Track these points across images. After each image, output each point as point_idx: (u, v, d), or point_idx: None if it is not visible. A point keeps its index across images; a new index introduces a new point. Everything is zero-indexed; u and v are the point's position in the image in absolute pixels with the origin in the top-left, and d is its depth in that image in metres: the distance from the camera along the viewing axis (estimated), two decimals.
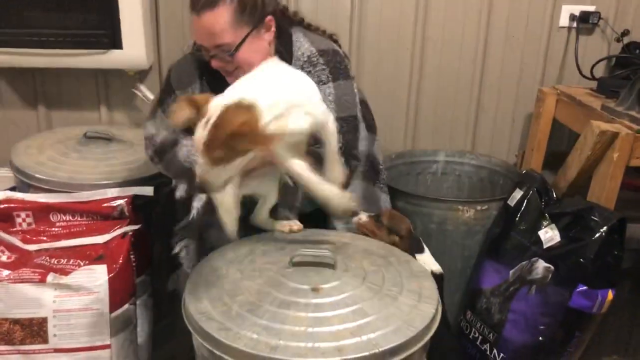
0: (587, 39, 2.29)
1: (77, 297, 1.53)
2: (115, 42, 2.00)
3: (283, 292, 1.18)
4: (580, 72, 2.22)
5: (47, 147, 1.95)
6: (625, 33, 2.25)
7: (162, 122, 1.54)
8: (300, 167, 1.19)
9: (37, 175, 1.79)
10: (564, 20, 2.26)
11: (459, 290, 1.99)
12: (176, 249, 1.57)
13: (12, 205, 1.69)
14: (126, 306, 1.61)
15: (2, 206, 1.68)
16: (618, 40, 2.26)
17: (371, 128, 1.74)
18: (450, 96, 2.35)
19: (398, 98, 2.34)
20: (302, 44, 1.51)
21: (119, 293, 1.59)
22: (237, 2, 1.33)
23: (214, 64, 1.42)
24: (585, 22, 2.23)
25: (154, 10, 2.14)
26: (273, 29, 1.45)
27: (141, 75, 2.19)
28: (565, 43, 2.30)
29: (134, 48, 2.01)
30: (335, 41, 1.62)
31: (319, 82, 1.45)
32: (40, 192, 1.76)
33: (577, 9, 2.23)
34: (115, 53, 2.01)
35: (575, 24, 2.25)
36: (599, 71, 2.25)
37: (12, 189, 1.90)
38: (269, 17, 1.41)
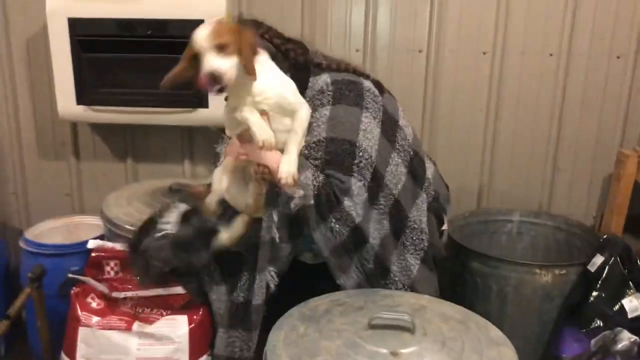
0: None
1: (160, 346, 1.59)
2: (201, 101, 2.12)
3: (362, 355, 1.20)
4: None
5: (135, 199, 2.07)
6: None
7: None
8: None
9: (125, 226, 1.89)
10: None
11: (535, 356, 1.93)
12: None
13: (102, 254, 1.79)
14: (204, 357, 1.66)
15: (93, 254, 1.79)
16: None
17: (418, 181, 1.64)
18: (525, 155, 2.34)
19: (472, 156, 2.35)
20: (320, 77, 1.55)
21: (198, 343, 1.64)
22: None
23: None
24: None
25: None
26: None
27: (224, 132, 2.30)
28: None
29: (219, 107, 2.12)
30: (368, 77, 1.61)
31: (320, 105, 1.49)
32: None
33: None
34: (201, 112, 2.13)
35: None
36: None
37: (101, 237, 2.01)
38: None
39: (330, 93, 1.50)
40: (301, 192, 1.40)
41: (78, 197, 2.46)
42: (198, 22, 2.02)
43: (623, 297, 1.69)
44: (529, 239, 2.30)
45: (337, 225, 1.45)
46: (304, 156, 1.44)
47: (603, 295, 1.74)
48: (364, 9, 2.21)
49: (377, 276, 1.54)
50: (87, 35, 2.08)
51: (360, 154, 1.45)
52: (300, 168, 1.40)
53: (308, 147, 1.45)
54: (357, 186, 1.44)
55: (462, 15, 2.20)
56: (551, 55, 2.22)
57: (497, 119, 2.30)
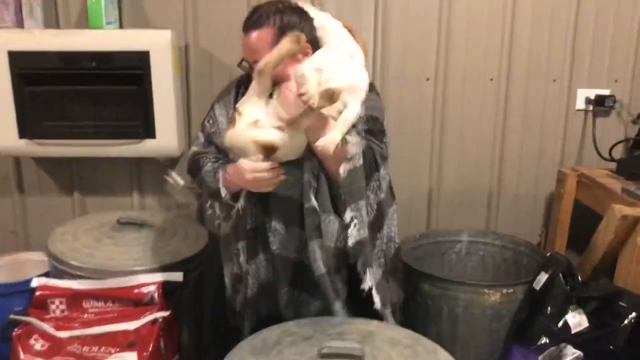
0: (604, 121, 2.35)
1: None
2: (149, 132, 2.10)
3: None
4: (599, 154, 2.27)
5: (82, 233, 2.02)
6: None
7: (202, 132, 1.73)
8: None
9: (72, 262, 1.85)
10: (580, 104, 2.33)
11: None
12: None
13: (47, 292, 1.75)
14: None
15: (37, 293, 1.74)
16: (634, 122, 2.31)
17: (392, 192, 1.77)
18: (470, 177, 2.40)
19: (419, 179, 2.39)
20: None
21: None
22: (278, 27, 1.50)
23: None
24: (601, 105, 2.29)
25: (185, 100, 2.26)
26: (311, 54, 1.53)
27: (172, 162, 2.28)
28: (583, 125, 2.35)
29: (166, 137, 2.11)
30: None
31: None
32: (74, 278, 1.81)
33: (592, 93, 2.30)
34: (149, 142, 2.11)
35: (591, 107, 2.31)
36: (618, 152, 2.29)
37: (46, 274, 1.96)
38: (307, 45, 1.51)
39: None
40: (354, 150, 1.43)
41: (23, 233, 2.38)
42: (143, 54, 2.05)
43: (567, 312, 1.74)
44: (478, 258, 2.35)
45: (372, 196, 1.53)
46: None
47: (548, 312, 1.79)
48: None
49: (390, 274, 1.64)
50: (29, 69, 2.04)
51: (387, 139, 1.61)
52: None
53: None
54: (387, 163, 1.58)
55: (404, 43, 2.26)
56: (491, 79, 2.31)
57: (442, 142, 2.35)
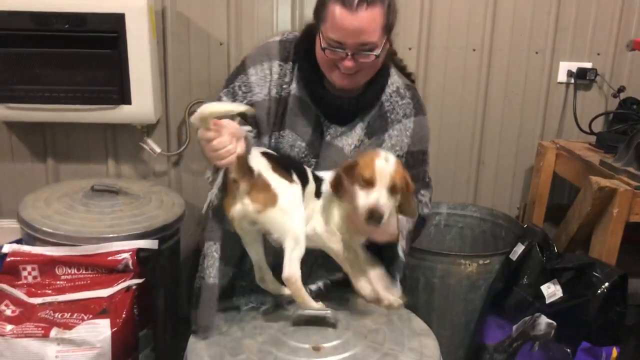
0: (585, 94, 2.34)
1: (80, 352, 1.52)
2: (124, 98, 2.05)
3: (284, 351, 1.19)
4: (579, 127, 2.27)
5: (55, 200, 1.98)
6: (622, 89, 2.30)
7: (228, 96, 1.47)
8: None
9: (44, 229, 1.81)
10: (562, 77, 2.32)
11: (462, 345, 1.98)
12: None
13: (19, 258, 1.71)
14: None
15: (8, 259, 1.70)
16: (615, 95, 2.31)
17: None
18: (451, 150, 2.39)
19: None
20: (392, 74, 1.52)
21: (121, 348, 1.58)
22: (387, 7, 1.33)
23: (347, 63, 1.35)
24: (582, 78, 2.29)
25: (162, 66, 2.21)
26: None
27: (149, 129, 2.24)
28: (564, 98, 2.35)
29: (142, 104, 2.07)
30: (413, 81, 1.62)
31: (403, 115, 1.50)
32: (46, 245, 1.78)
33: (574, 66, 2.30)
34: (124, 108, 2.06)
35: (572, 80, 2.30)
36: (598, 125, 2.29)
37: (18, 241, 1.92)
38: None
39: (410, 101, 1.50)
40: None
41: None
42: (118, 16, 1.99)
43: (542, 283, 1.75)
44: (457, 231, 2.35)
45: None
46: None
47: (524, 282, 1.81)
48: (290, 4, 2.20)
49: None
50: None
51: (429, 159, 1.58)
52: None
53: None
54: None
55: None
56: (474, 50, 2.28)
57: None
